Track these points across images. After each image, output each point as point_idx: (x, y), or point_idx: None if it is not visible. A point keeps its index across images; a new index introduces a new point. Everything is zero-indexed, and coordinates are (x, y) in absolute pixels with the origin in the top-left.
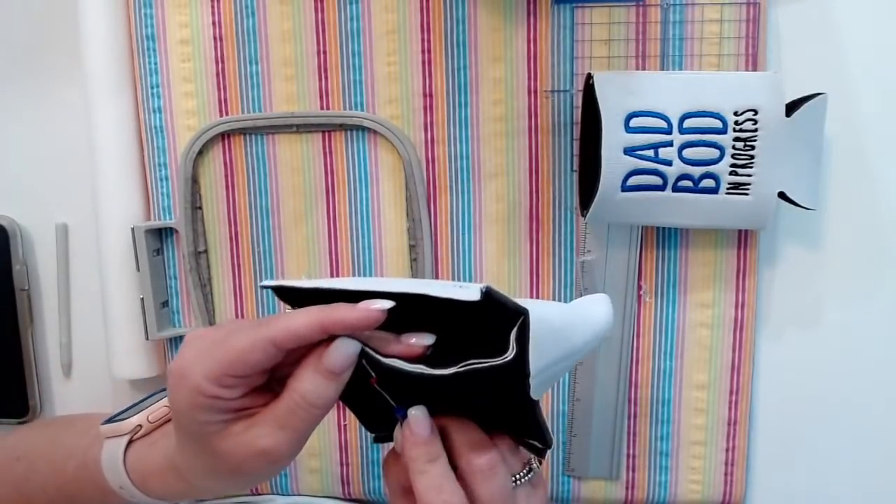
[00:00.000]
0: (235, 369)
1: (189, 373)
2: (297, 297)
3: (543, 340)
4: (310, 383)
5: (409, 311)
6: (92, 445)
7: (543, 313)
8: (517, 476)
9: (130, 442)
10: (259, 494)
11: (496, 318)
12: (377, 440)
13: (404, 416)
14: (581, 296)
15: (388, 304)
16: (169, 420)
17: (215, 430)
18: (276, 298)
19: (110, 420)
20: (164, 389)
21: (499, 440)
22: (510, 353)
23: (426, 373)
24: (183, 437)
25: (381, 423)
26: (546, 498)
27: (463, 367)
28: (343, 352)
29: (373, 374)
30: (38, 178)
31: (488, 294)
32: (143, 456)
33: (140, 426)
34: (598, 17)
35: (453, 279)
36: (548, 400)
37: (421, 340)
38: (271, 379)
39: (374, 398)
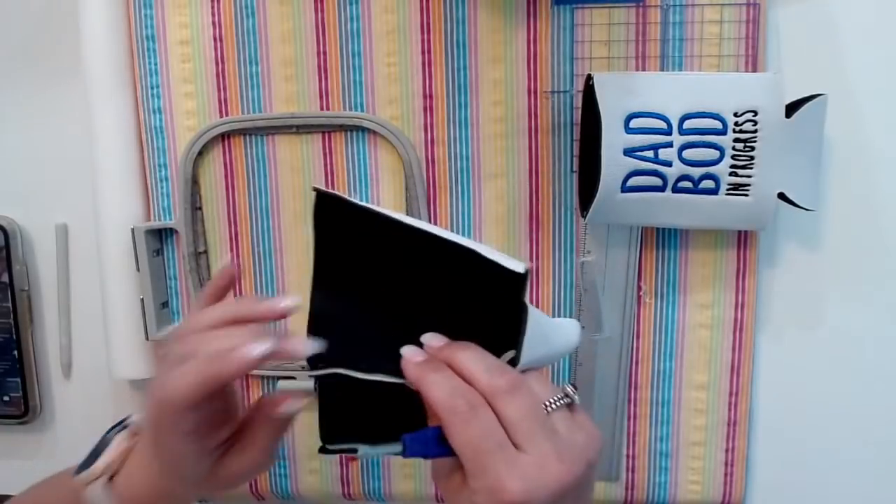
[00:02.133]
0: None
1: (168, 436)
2: (339, 212)
3: (533, 340)
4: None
5: (424, 275)
6: (76, 497)
7: (538, 314)
8: (549, 402)
9: (110, 478)
10: (261, 499)
11: (505, 303)
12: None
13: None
14: (581, 296)
15: (260, 349)
16: (132, 449)
17: (209, 469)
18: (276, 290)
19: (78, 471)
20: (114, 427)
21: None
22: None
23: (390, 381)
24: (178, 479)
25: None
26: (592, 425)
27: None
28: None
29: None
30: (38, 178)
31: (527, 275)
32: (127, 487)
33: (110, 464)
34: (598, 18)
35: None
36: None
37: (307, 347)
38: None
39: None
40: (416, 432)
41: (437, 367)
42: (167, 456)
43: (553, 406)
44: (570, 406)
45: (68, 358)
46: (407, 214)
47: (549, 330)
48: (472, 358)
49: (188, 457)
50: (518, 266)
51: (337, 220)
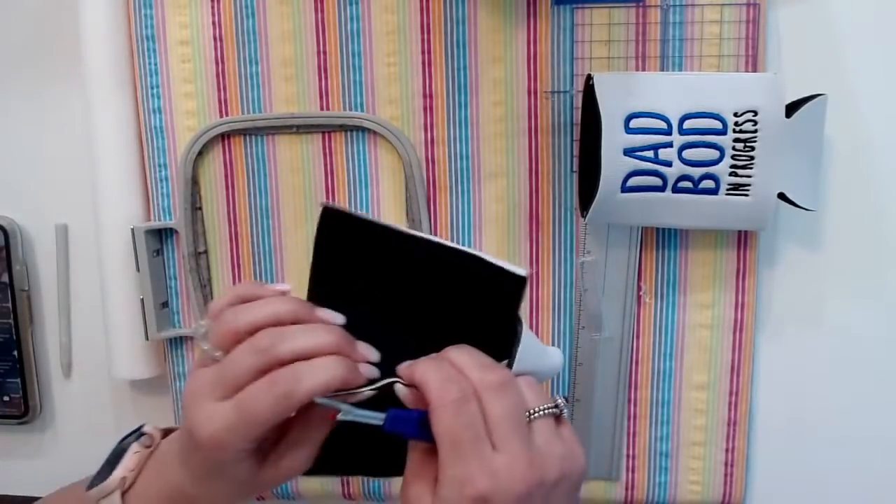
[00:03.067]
0: (262, 431)
1: (227, 444)
2: (343, 226)
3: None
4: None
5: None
6: None
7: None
8: (535, 409)
9: (125, 493)
10: (261, 499)
11: (503, 311)
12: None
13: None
14: (581, 296)
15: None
16: (147, 461)
17: (253, 469)
18: None
19: (92, 484)
20: (128, 436)
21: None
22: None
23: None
24: (219, 481)
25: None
26: (576, 441)
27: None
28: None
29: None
30: (38, 178)
31: (527, 280)
32: (141, 501)
33: (125, 478)
34: (598, 18)
35: None
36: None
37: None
38: None
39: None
40: (401, 410)
41: (431, 359)
42: (208, 465)
43: (538, 413)
44: (557, 418)
45: (68, 358)
46: (407, 214)
47: (539, 349)
48: (465, 354)
49: (232, 464)
50: (520, 270)
51: (340, 234)
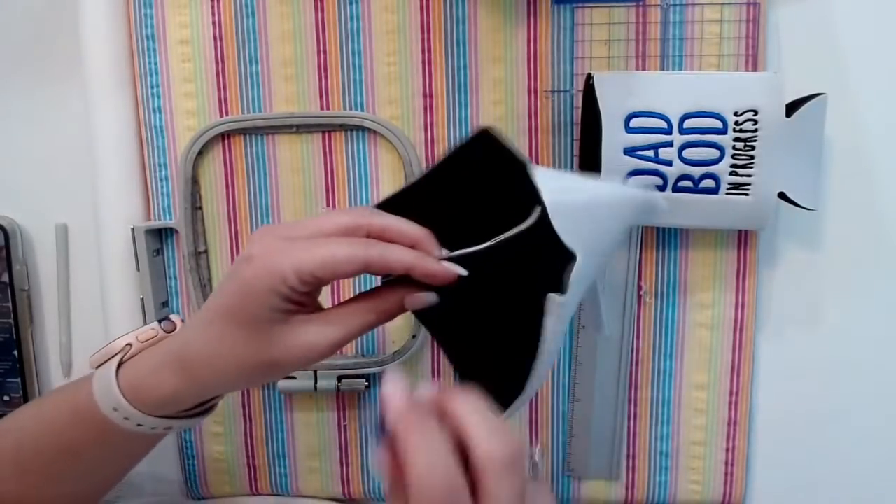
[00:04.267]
0: (325, 273)
1: (278, 260)
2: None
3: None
4: (391, 307)
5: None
6: (82, 385)
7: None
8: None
9: (121, 364)
10: (259, 494)
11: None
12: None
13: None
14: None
15: (463, 271)
16: (155, 342)
17: (280, 318)
18: None
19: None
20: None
21: None
22: (531, 218)
23: (466, 252)
24: (235, 324)
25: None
26: (549, 491)
27: (495, 241)
28: (426, 301)
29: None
30: (38, 178)
31: (490, 129)
32: (135, 370)
33: (129, 345)
34: (598, 18)
35: None
36: (548, 400)
37: (454, 269)
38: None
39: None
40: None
41: (426, 426)
42: (235, 304)
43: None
44: (534, 470)
45: (68, 358)
46: None
47: (585, 184)
48: (473, 411)
49: (262, 304)
50: (478, 129)
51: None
